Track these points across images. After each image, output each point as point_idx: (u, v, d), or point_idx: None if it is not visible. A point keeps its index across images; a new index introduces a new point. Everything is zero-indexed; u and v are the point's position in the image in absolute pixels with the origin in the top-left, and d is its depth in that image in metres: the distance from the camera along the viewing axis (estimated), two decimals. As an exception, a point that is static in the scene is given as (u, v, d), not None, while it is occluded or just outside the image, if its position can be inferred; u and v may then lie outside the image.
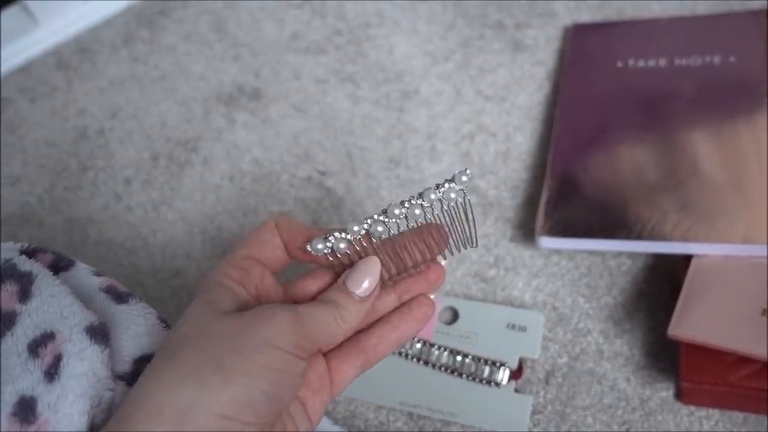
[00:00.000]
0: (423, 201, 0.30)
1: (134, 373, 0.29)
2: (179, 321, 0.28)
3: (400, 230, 0.31)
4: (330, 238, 0.30)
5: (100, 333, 0.29)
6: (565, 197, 0.44)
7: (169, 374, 0.25)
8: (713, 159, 0.43)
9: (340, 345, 0.32)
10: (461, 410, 0.39)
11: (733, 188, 0.41)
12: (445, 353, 0.41)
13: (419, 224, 0.30)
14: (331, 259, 0.31)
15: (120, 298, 0.33)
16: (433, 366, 0.41)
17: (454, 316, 0.43)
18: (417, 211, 0.30)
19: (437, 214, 0.31)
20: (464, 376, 0.40)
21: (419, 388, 0.40)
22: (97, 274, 0.35)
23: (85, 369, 0.27)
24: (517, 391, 0.40)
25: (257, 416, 0.25)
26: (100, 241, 0.49)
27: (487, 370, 0.40)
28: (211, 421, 0.24)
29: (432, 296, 0.33)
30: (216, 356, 0.25)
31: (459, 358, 0.41)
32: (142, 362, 0.30)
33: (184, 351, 0.26)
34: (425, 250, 0.31)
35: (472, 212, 0.31)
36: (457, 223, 0.31)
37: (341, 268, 0.31)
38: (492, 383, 0.40)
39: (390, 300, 0.33)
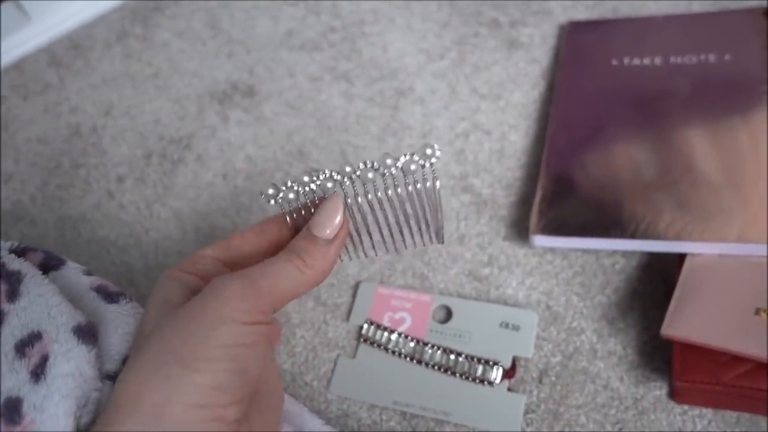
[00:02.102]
0: (378, 167, 0.28)
1: None
2: (140, 322, 0.28)
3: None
4: (281, 187, 0.29)
5: (87, 333, 0.29)
6: (560, 196, 0.44)
7: (139, 373, 0.25)
8: (709, 158, 0.43)
9: None
10: (454, 409, 0.39)
11: (728, 187, 0.41)
12: (439, 352, 0.41)
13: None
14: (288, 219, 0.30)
15: (110, 297, 0.32)
16: (426, 365, 0.41)
17: (448, 314, 0.43)
18: (370, 175, 0.28)
19: (399, 192, 0.29)
20: (457, 375, 0.40)
21: (412, 387, 0.40)
22: (88, 273, 0.35)
23: (71, 369, 0.27)
24: (510, 390, 0.40)
25: (230, 396, 0.25)
26: (92, 239, 0.49)
27: (480, 369, 0.40)
28: (187, 412, 0.24)
29: None
30: (175, 348, 0.25)
31: (452, 356, 0.41)
32: None
33: (148, 349, 0.26)
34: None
35: (439, 198, 0.29)
36: (420, 209, 0.29)
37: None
38: (485, 382, 0.40)
39: None
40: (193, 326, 0.25)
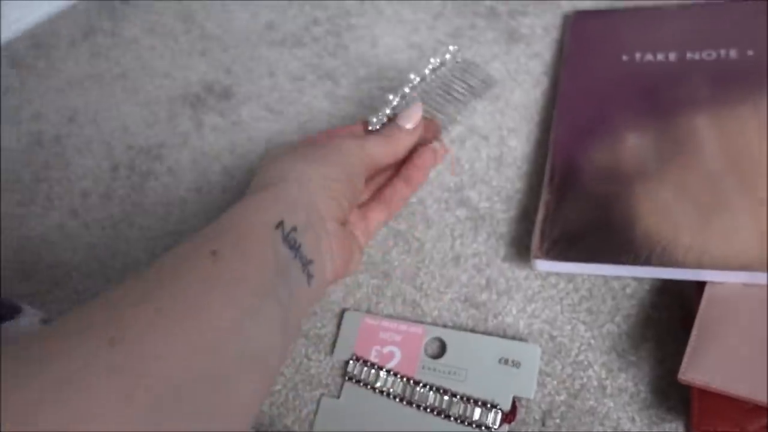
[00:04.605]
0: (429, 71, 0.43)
1: None
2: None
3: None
4: (379, 114, 0.41)
5: None
6: (564, 213, 0.40)
7: (289, 157, 0.36)
8: (732, 170, 0.38)
9: (370, 201, 0.41)
10: (449, 457, 0.35)
11: (749, 202, 0.37)
12: (431, 392, 0.37)
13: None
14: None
15: None
16: (418, 407, 0.37)
17: (442, 348, 0.39)
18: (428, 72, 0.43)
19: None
20: (452, 418, 0.36)
21: (401, 430, 0.36)
22: (46, 321, 0.31)
23: None
24: (510, 435, 0.36)
25: (342, 192, 0.36)
26: (55, 264, 0.45)
27: (477, 412, 0.36)
28: (319, 179, 0.35)
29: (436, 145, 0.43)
30: (320, 150, 0.37)
31: (446, 398, 0.37)
32: None
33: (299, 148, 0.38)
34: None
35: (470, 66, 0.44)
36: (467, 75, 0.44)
37: None
38: (483, 427, 0.36)
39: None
40: (335, 145, 0.38)
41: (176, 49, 0.54)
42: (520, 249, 0.42)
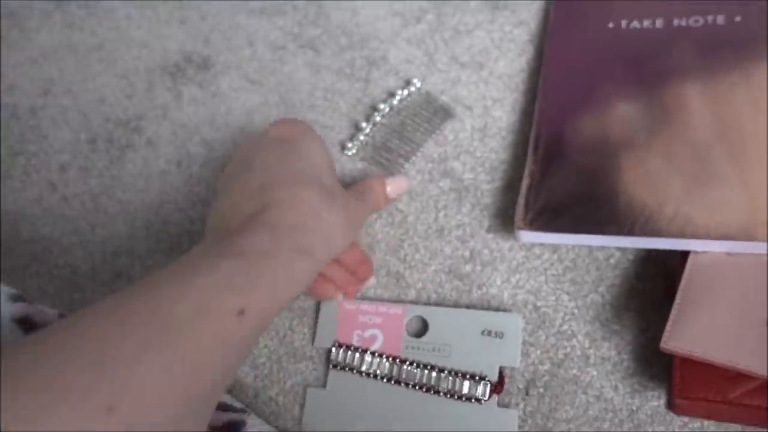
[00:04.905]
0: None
1: None
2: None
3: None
4: (354, 141, 0.45)
5: None
6: (549, 184, 0.39)
7: (333, 212, 0.33)
8: (718, 138, 0.38)
9: None
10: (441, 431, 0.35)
11: (737, 171, 0.36)
12: (418, 369, 0.37)
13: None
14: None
15: (32, 331, 0.28)
16: (406, 385, 0.37)
17: (423, 326, 0.39)
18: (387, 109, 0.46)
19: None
20: (441, 393, 0.36)
21: (394, 411, 0.36)
22: (17, 298, 0.31)
23: None
24: (501, 406, 0.36)
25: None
26: (33, 238, 0.44)
27: (466, 384, 0.36)
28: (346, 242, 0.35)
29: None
30: (350, 207, 0.36)
31: (434, 373, 0.37)
32: None
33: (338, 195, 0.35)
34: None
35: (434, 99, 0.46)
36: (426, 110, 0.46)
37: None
38: (473, 399, 0.36)
39: None
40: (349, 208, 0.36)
41: (154, 18, 0.53)
42: (505, 220, 0.41)
